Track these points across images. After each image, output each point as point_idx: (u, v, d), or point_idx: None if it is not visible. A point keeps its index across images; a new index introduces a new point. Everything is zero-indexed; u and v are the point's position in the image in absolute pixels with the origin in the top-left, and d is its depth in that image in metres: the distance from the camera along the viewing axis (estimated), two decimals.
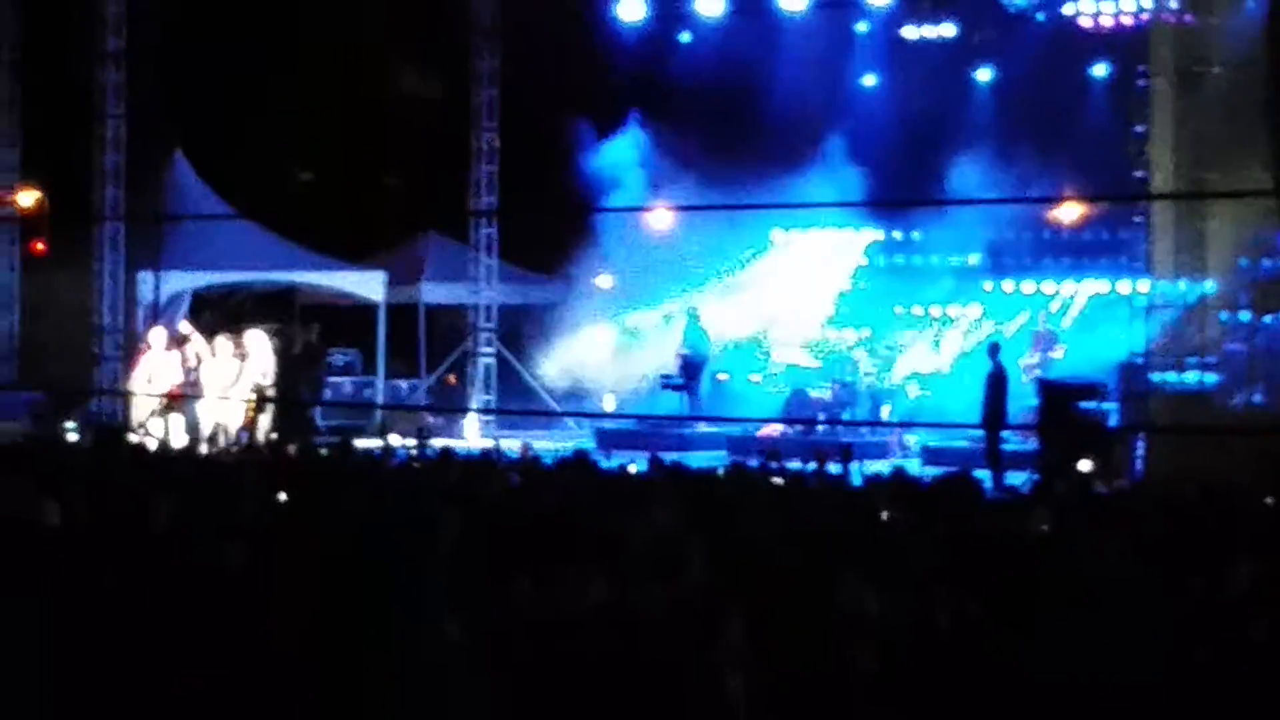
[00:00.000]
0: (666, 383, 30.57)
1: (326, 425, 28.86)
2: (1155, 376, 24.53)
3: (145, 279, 30.12)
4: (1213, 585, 9.15)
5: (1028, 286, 30.63)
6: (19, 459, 16.14)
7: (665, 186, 29.99)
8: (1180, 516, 12.45)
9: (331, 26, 33.65)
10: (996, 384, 24.98)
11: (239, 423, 26.02)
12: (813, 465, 17.49)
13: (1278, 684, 7.73)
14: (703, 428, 29.60)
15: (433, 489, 12.52)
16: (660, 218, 31.51)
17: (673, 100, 31.06)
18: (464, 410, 31.65)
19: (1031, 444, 25.40)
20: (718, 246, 31.19)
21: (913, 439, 27.46)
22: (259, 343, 26.79)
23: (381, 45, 34.44)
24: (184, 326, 28.01)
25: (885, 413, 29.18)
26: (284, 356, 27.39)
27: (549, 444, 24.84)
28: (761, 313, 31.38)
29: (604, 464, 17.76)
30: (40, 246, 32.05)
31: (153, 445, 22.30)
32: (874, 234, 31.39)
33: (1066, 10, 29.33)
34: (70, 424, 26.60)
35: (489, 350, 32.62)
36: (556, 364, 32.00)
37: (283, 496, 12.89)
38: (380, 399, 32.00)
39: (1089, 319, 29.37)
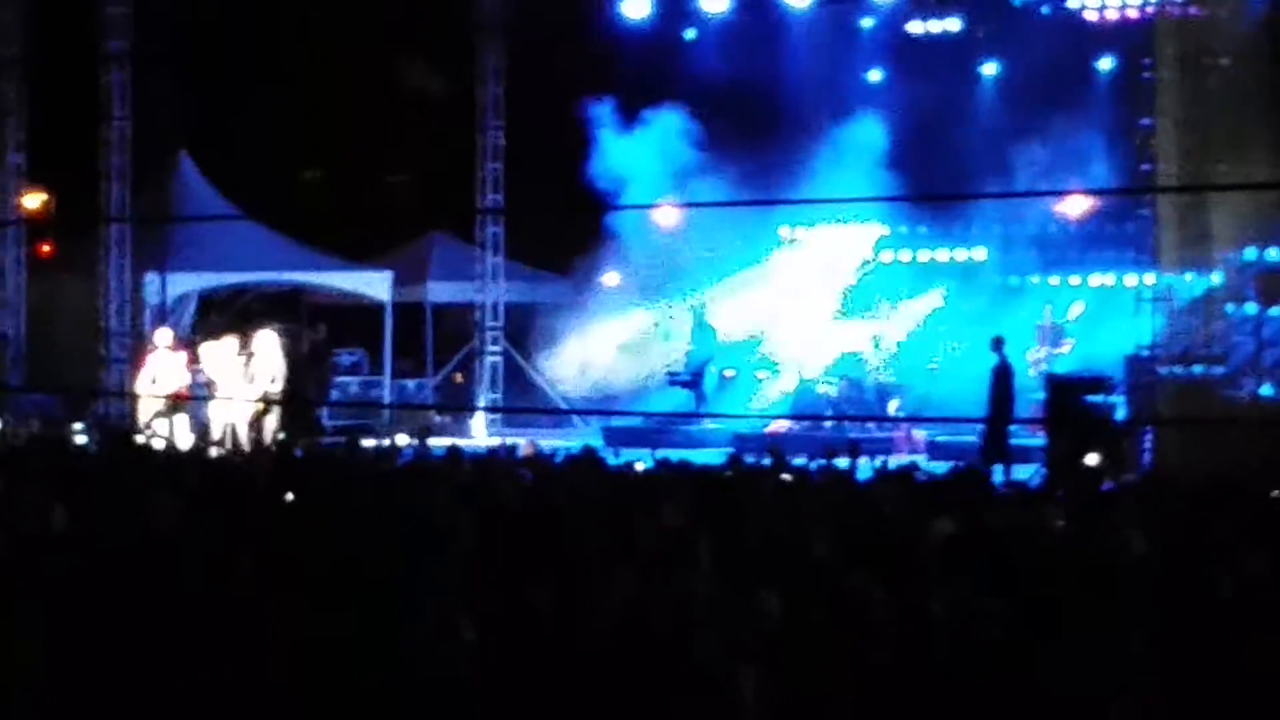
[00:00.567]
0: (673, 379, 30.58)
1: (333, 425, 28.87)
2: (1162, 369, 24.51)
3: (151, 281, 30.13)
4: (1224, 578, 9.14)
5: (1034, 280, 30.63)
6: (26, 462, 16.12)
7: (671, 184, 29.98)
8: (1189, 509, 12.44)
9: (336, 26, 33.64)
10: (1001, 378, 24.95)
11: (247, 423, 26.03)
12: (819, 461, 17.49)
13: None
14: (710, 424, 29.61)
15: (445, 490, 12.52)
16: (666, 215, 31.50)
17: (677, 98, 31.01)
18: (471, 409, 31.66)
19: (1038, 439, 25.38)
20: (724, 243, 31.18)
21: (920, 434, 27.45)
22: (269, 343, 26.77)
23: (387, 44, 34.41)
24: (203, 344, 27.89)
25: (893, 408, 29.18)
26: (291, 357, 27.40)
27: (558, 442, 24.84)
28: (768, 309, 31.36)
29: (611, 461, 17.77)
30: (46, 249, 32.08)
31: (159, 446, 22.31)
32: (880, 229, 31.33)
33: (1071, 3, 29.32)
34: (78, 426, 26.60)
35: (496, 349, 32.63)
36: (563, 362, 32.01)
37: (290, 497, 12.90)
38: (387, 398, 32.01)
39: (1095, 312, 29.34)
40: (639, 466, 13.57)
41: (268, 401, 25.98)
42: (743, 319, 31.28)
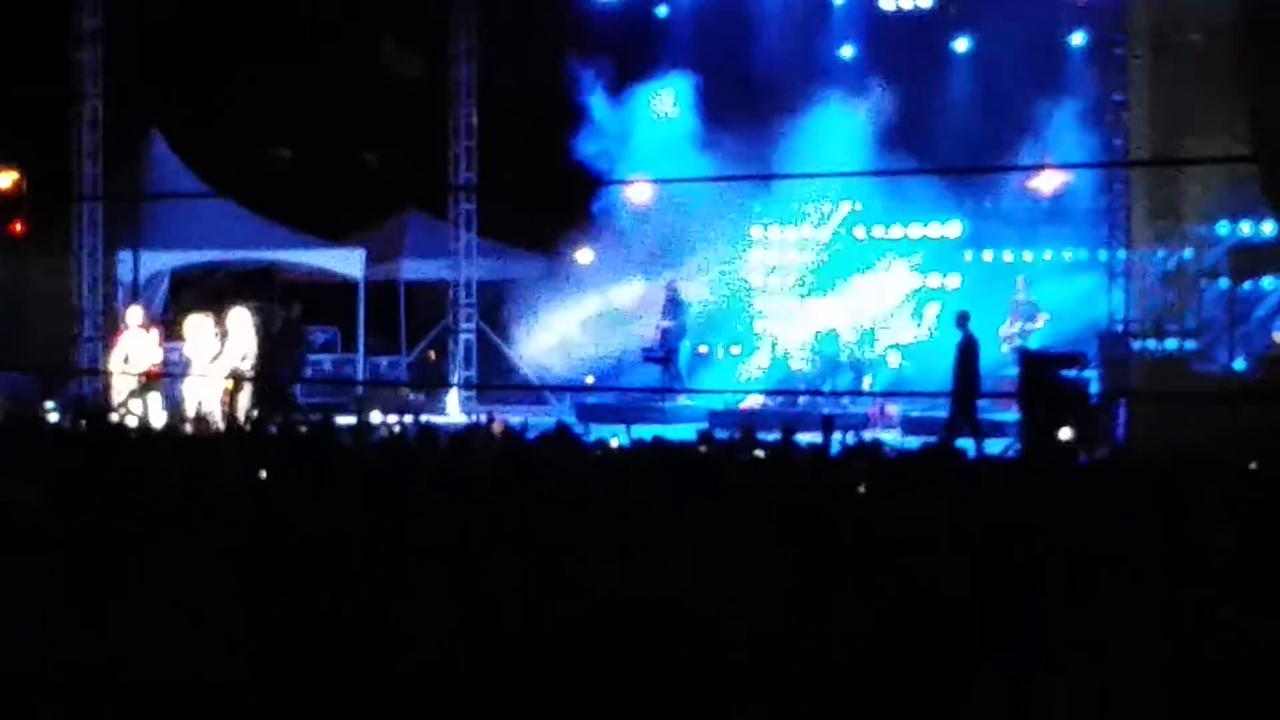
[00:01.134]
0: (647, 355, 30.61)
1: (307, 402, 28.85)
2: (1135, 344, 24.60)
3: (124, 259, 30.07)
4: (1196, 552, 9.16)
5: (1007, 256, 30.67)
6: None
7: (644, 160, 29.99)
8: (1160, 484, 12.45)
9: (310, 3, 33.57)
10: (967, 352, 25.05)
11: (218, 401, 25.96)
12: (790, 437, 17.44)
13: (1264, 654, 7.74)
14: (683, 400, 29.66)
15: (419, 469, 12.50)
16: (639, 192, 31.50)
17: (649, 75, 31.01)
18: (445, 386, 31.68)
19: (1010, 413, 25.46)
20: (697, 219, 31.17)
21: (894, 409, 27.52)
22: (242, 322, 26.70)
23: (360, 21, 34.34)
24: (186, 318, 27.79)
25: (867, 384, 29.25)
26: (264, 334, 27.36)
27: (530, 418, 24.82)
28: (742, 284, 31.42)
29: (584, 438, 17.76)
30: (18, 227, 31.95)
31: (133, 424, 22.25)
32: (851, 205, 31.33)
33: None
34: (50, 404, 26.54)
35: (469, 326, 32.63)
36: (536, 338, 32.02)
37: (264, 474, 12.87)
38: (361, 376, 32.02)
39: (1068, 287, 29.40)
40: (613, 443, 13.56)
41: (241, 378, 25.93)
42: (717, 294, 31.33)
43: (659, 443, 12.01)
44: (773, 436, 13.16)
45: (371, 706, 7.78)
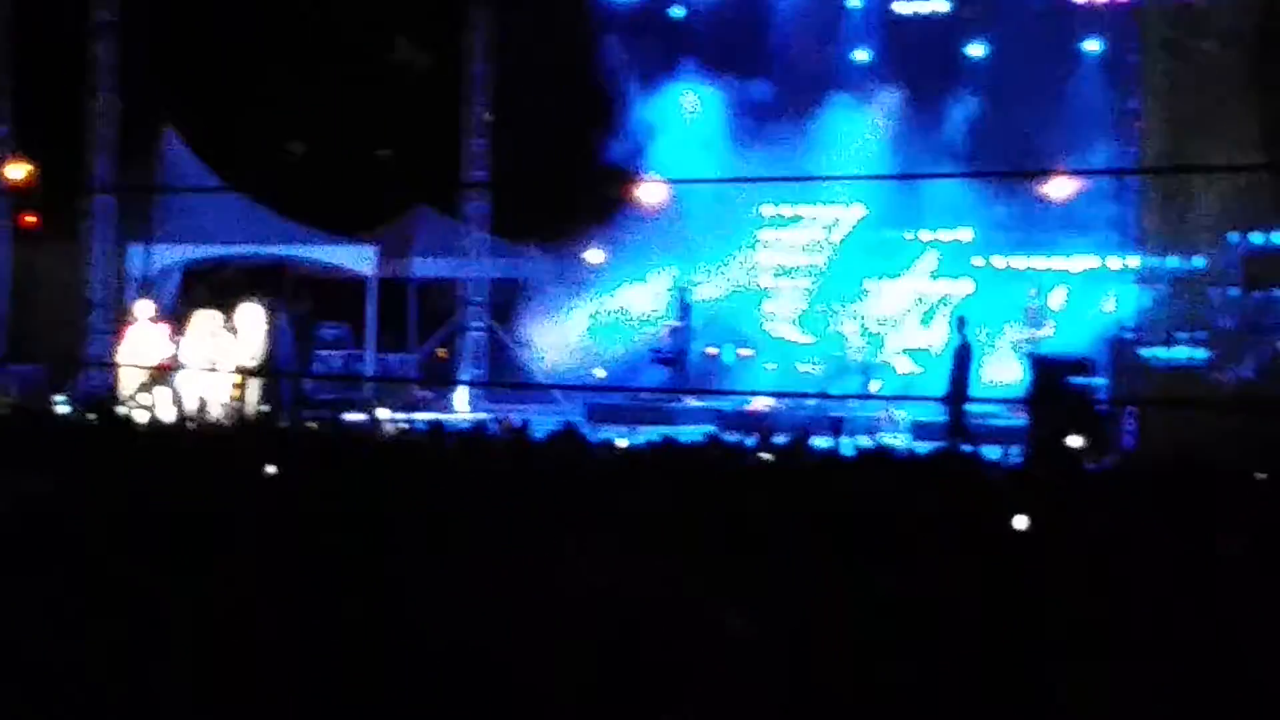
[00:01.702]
0: (656, 356, 30.60)
1: (317, 399, 28.85)
2: (1145, 352, 24.55)
3: (136, 253, 30.09)
4: (1202, 560, 9.16)
5: (1019, 262, 30.66)
6: (7, 432, 16.09)
7: (658, 161, 30.01)
8: (1169, 492, 12.45)
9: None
10: (962, 357, 25.09)
11: (227, 396, 25.96)
12: (798, 440, 17.45)
13: (1269, 660, 7.74)
14: (692, 402, 29.66)
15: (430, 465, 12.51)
16: (652, 192, 31.50)
17: (665, 75, 31.02)
18: (455, 383, 31.69)
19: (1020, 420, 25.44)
20: (708, 221, 31.18)
21: (902, 414, 27.52)
22: (253, 318, 26.66)
23: (375, 17, 34.36)
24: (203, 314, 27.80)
25: (875, 387, 29.24)
26: (274, 330, 27.35)
27: (540, 418, 24.84)
28: (751, 287, 31.42)
29: (592, 438, 17.77)
30: (31, 220, 32.01)
31: (142, 418, 22.26)
32: (862, 209, 31.33)
33: None
34: (59, 397, 26.57)
35: (479, 324, 32.64)
36: (546, 337, 32.02)
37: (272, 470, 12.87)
38: (371, 373, 32.02)
39: (1079, 295, 29.39)
40: (621, 444, 13.57)
41: (250, 373, 25.93)
42: (726, 296, 31.34)
43: (669, 444, 12.01)
44: (781, 439, 13.15)
45: (374, 705, 7.78)
